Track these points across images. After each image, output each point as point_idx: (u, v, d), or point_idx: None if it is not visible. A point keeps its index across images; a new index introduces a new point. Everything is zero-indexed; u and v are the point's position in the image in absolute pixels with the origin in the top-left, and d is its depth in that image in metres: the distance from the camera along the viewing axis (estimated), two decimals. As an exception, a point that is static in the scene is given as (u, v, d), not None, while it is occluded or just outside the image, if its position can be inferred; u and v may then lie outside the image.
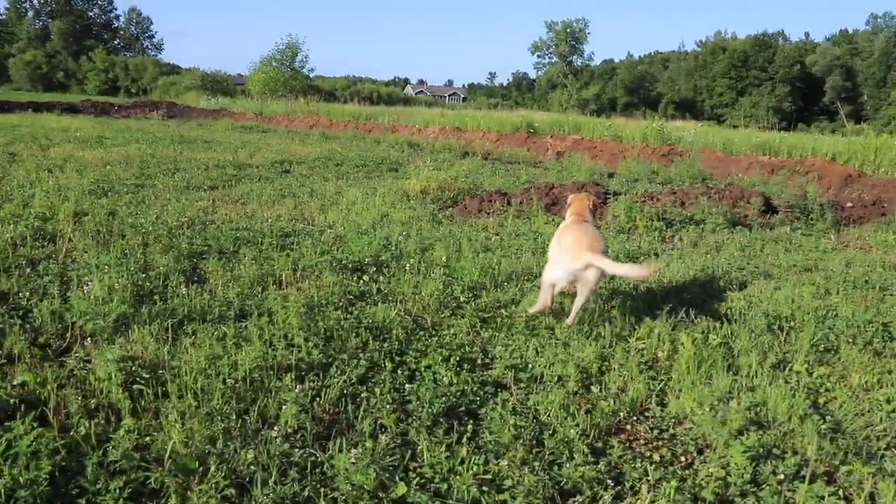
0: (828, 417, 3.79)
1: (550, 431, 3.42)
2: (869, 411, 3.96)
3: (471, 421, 3.56)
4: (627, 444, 3.47)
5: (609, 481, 3.04)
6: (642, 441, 3.51)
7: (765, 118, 74.81)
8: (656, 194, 10.40)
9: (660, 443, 3.48)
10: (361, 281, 5.79)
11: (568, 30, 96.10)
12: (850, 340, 4.95)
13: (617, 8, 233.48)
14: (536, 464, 3.12)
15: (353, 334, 4.51)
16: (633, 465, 3.19)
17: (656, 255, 7.42)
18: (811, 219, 10.19)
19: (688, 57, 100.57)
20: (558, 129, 25.26)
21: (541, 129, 25.36)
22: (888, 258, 8.28)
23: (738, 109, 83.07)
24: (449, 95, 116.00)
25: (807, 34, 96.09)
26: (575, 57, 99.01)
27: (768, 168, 17.55)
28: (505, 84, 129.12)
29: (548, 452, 3.25)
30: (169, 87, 64.21)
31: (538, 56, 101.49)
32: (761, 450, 3.32)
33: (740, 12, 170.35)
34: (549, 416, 3.59)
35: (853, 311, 5.60)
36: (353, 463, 2.99)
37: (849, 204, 11.47)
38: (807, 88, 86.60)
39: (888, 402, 4.04)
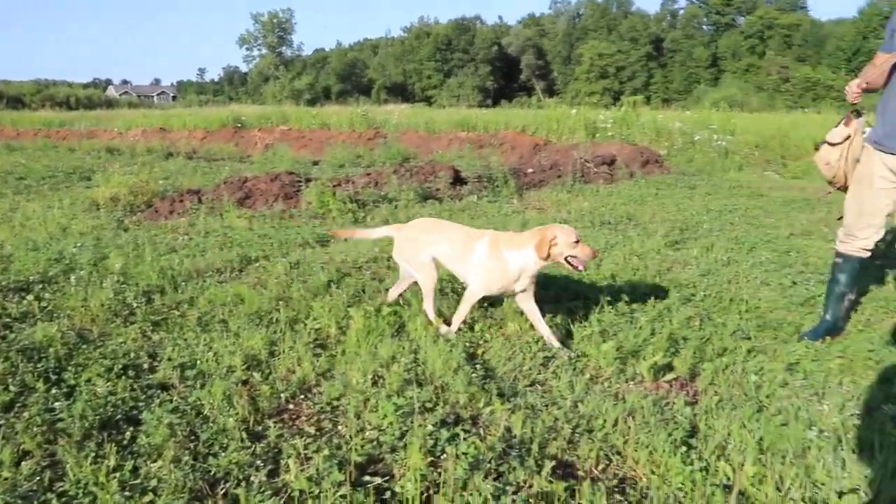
0: (479, 366, 4.10)
1: (208, 424, 3.39)
2: (519, 354, 4.35)
3: (130, 428, 3.42)
4: (290, 423, 3.52)
5: (260, 462, 3.07)
6: (304, 418, 3.58)
7: (470, 97, 79.46)
8: (352, 177, 10.63)
9: (322, 416, 3.58)
10: (24, 301, 5.32)
11: (274, 20, 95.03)
12: (511, 293, 5.40)
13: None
14: (188, 458, 3.08)
15: (1, 360, 4.14)
16: (290, 443, 3.25)
17: (346, 238, 7.59)
18: (497, 186, 10.97)
19: (395, 43, 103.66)
20: (266, 122, 24.99)
21: (249, 122, 24.93)
22: (560, 215, 9.16)
23: (445, 90, 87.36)
24: (157, 95, 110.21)
25: (500, 17, 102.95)
26: (285, 48, 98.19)
27: (467, 143, 18.61)
28: (216, 80, 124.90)
29: (202, 445, 3.21)
30: None
31: (247, 49, 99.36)
32: (417, 406, 3.52)
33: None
34: (211, 409, 3.55)
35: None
36: (-21, 500, 2.76)
37: (530, 170, 12.49)
38: (505, 67, 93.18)
39: (536, 342, 4.48)
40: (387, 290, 5.38)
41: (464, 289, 4.78)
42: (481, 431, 3.41)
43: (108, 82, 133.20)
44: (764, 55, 73.38)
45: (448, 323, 4.75)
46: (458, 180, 11.09)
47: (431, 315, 4.76)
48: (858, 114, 4.62)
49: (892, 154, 4.40)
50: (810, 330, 4.85)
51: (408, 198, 9.56)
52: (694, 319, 4.95)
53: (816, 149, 4.78)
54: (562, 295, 5.48)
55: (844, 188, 4.76)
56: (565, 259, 4.41)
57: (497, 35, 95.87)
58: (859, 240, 4.71)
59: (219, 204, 8.89)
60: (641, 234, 8.06)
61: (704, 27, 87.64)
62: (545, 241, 4.35)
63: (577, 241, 4.41)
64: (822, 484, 2.99)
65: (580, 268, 4.46)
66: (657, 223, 8.74)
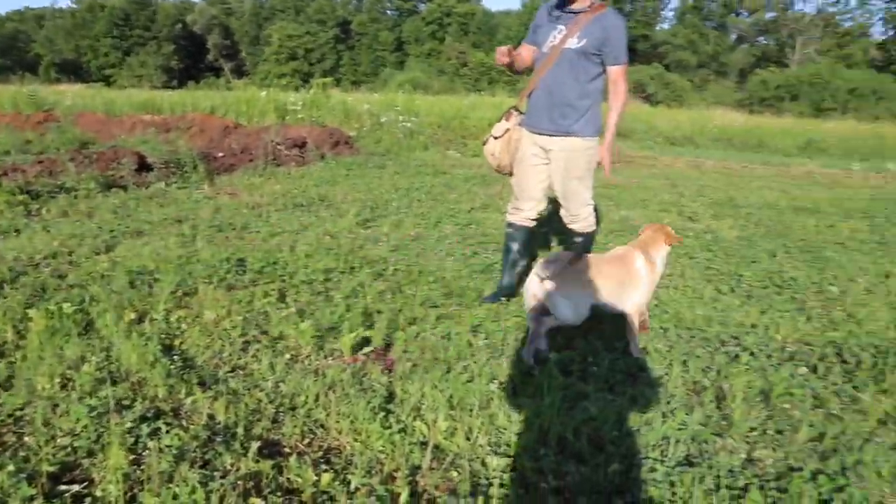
0: (177, 357, 4.02)
1: None
2: (218, 341, 4.33)
3: None
4: (-34, 440, 3.21)
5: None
6: (-16, 433, 3.29)
7: (154, 77, 75.22)
8: (21, 166, 9.64)
9: (2, 429, 3.30)
10: None
11: None
12: (207, 280, 5.32)
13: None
14: None
15: None
16: (-34, 462, 2.97)
17: (17, 231, 6.93)
18: (186, 172, 10.60)
19: (65, 15, 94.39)
20: None
21: None
22: (252, 199, 9.09)
23: (126, 69, 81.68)
24: None
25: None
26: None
27: (153, 126, 17.59)
28: None
29: None
30: None
31: None
32: (112, 404, 3.38)
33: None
34: None
35: (212, 252, 6.05)
36: None
37: (221, 154, 12.20)
38: (191, 46, 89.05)
39: (234, 328, 4.48)
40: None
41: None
42: (184, 422, 3.38)
43: None
44: (444, 41, 77.68)
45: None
46: (143, 166, 10.53)
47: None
48: (518, 110, 5.20)
49: (537, 132, 5.04)
50: (490, 294, 5.40)
51: (88, 187, 8.90)
52: (386, 293, 5.25)
53: (484, 143, 5.31)
54: (259, 278, 5.51)
55: (510, 174, 5.34)
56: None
57: (180, 12, 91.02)
58: (524, 211, 5.32)
59: None
60: (334, 214, 8.30)
61: (389, 12, 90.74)
62: (672, 236, 4.66)
63: None
64: (505, 429, 3.41)
65: None
66: (349, 203, 9.03)
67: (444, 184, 11.21)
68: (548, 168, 5.15)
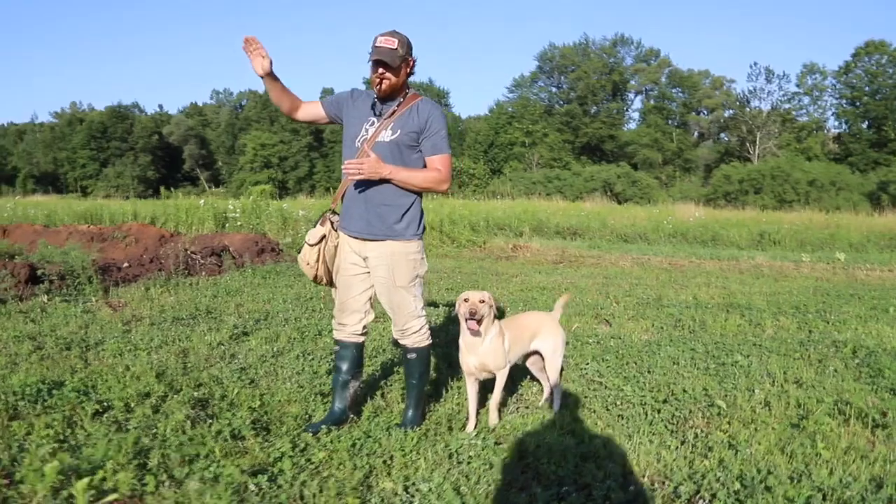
0: None
1: None
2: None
3: None
4: None
5: None
6: None
7: (130, 187, 75.65)
8: None
9: None
10: None
11: None
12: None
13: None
14: None
15: None
16: None
17: None
18: (80, 284, 10.03)
19: (44, 129, 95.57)
20: None
21: None
22: (135, 312, 8.50)
23: (103, 180, 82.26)
24: None
25: (160, 106, 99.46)
26: None
27: (88, 237, 17.19)
28: None
29: None
30: None
31: None
32: None
33: (97, 85, 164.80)
34: None
35: (26, 375, 5.40)
36: None
37: (125, 264, 11.68)
38: (167, 157, 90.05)
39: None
40: None
41: None
42: None
43: None
44: (415, 145, 78.73)
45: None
46: (33, 279, 9.96)
47: None
48: (335, 213, 4.70)
49: (353, 237, 4.52)
50: (317, 422, 4.72)
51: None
52: (186, 422, 4.58)
53: (299, 251, 4.78)
54: (59, 405, 4.85)
55: (330, 284, 4.80)
56: None
57: (157, 124, 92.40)
58: (349, 326, 4.75)
59: None
60: (212, 327, 7.69)
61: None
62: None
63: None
64: None
65: None
66: (236, 315, 8.45)
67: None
68: (370, 277, 4.62)
